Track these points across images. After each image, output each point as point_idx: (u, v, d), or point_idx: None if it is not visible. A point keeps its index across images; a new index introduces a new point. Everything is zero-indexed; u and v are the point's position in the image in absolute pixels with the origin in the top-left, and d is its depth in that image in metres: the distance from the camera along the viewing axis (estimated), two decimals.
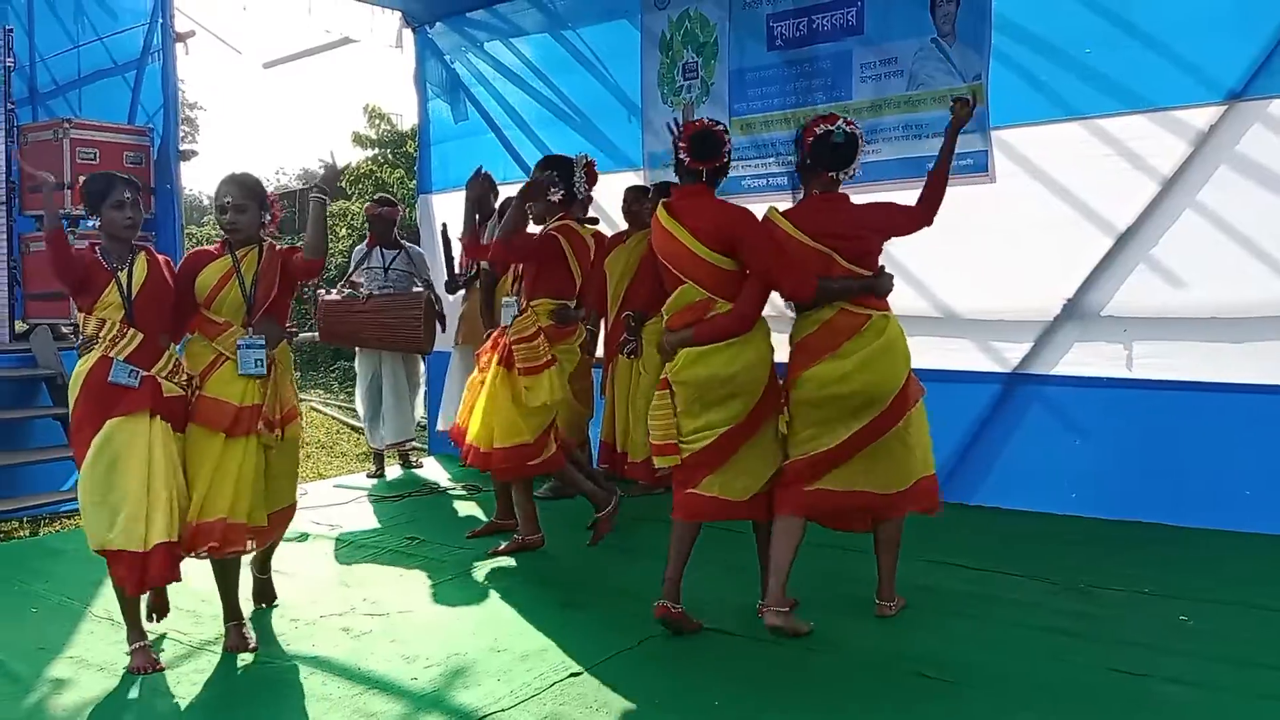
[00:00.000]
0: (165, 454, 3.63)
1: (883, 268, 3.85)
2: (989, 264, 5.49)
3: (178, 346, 3.93)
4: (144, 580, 3.61)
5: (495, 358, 4.80)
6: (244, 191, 3.83)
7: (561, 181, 4.81)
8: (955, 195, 5.54)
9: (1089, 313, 5.27)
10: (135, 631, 3.70)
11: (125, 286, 3.66)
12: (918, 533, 4.96)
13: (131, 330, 3.65)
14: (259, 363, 3.76)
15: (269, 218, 3.91)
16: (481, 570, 4.76)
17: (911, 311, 5.65)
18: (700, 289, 3.72)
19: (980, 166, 5.48)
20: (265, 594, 4.30)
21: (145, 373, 3.64)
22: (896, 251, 5.65)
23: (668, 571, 3.83)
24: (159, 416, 3.65)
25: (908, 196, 5.68)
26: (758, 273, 3.69)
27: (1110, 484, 5.23)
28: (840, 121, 3.82)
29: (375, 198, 7.77)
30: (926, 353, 5.58)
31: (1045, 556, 4.66)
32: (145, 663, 3.64)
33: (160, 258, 3.87)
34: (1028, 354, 5.48)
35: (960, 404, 5.60)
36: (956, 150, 5.52)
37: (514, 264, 5.06)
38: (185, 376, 3.78)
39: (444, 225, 6.95)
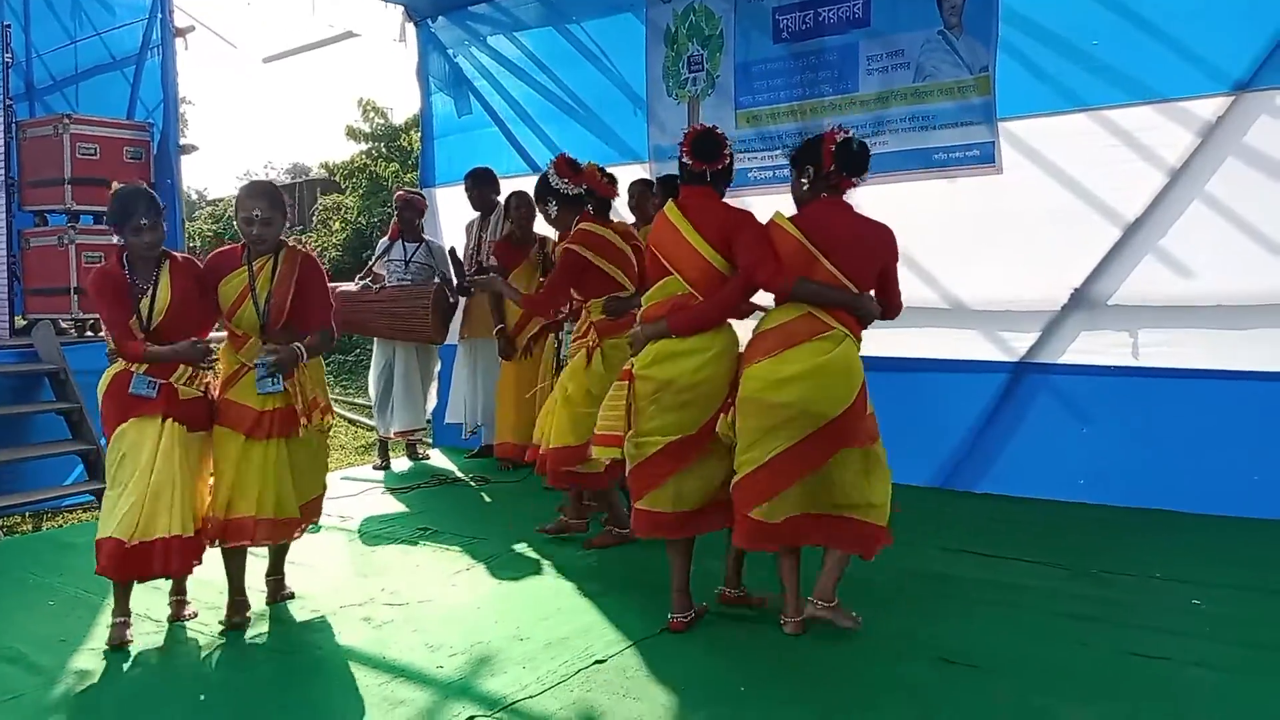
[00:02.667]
0: (173, 454, 3.75)
1: (871, 296, 3.67)
2: (996, 254, 5.54)
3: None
4: (134, 569, 3.72)
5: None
6: (272, 204, 3.89)
7: (545, 194, 4.90)
8: (963, 186, 5.65)
9: (1096, 302, 5.31)
10: (120, 607, 3.82)
11: (146, 315, 3.80)
12: (930, 521, 5.03)
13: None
14: (275, 381, 3.86)
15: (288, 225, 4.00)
16: (497, 560, 4.76)
17: (919, 302, 5.70)
18: (684, 283, 3.68)
19: (987, 157, 5.53)
20: (278, 592, 4.26)
21: (163, 382, 3.78)
22: (905, 241, 5.73)
23: (673, 583, 3.82)
24: (171, 419, 3.79)
25: (914, 188, 5.77)
26: (743, 267, 3.62)
27: (1117, 471, 5.28)
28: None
29: (403, 187, 7.78)
30: (934, 343, 5.67)
31: (1057, 543, 4.70)
32: (118, 636, 3.75)
33: (183, 265, 3.94)
34: (1035, 343, 5.52)
35: (968, 393, 5.67)
36: (963, 142, 5.63)
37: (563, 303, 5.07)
38: (205, 381, 3.92)
39: (451, 249, 6.95)
